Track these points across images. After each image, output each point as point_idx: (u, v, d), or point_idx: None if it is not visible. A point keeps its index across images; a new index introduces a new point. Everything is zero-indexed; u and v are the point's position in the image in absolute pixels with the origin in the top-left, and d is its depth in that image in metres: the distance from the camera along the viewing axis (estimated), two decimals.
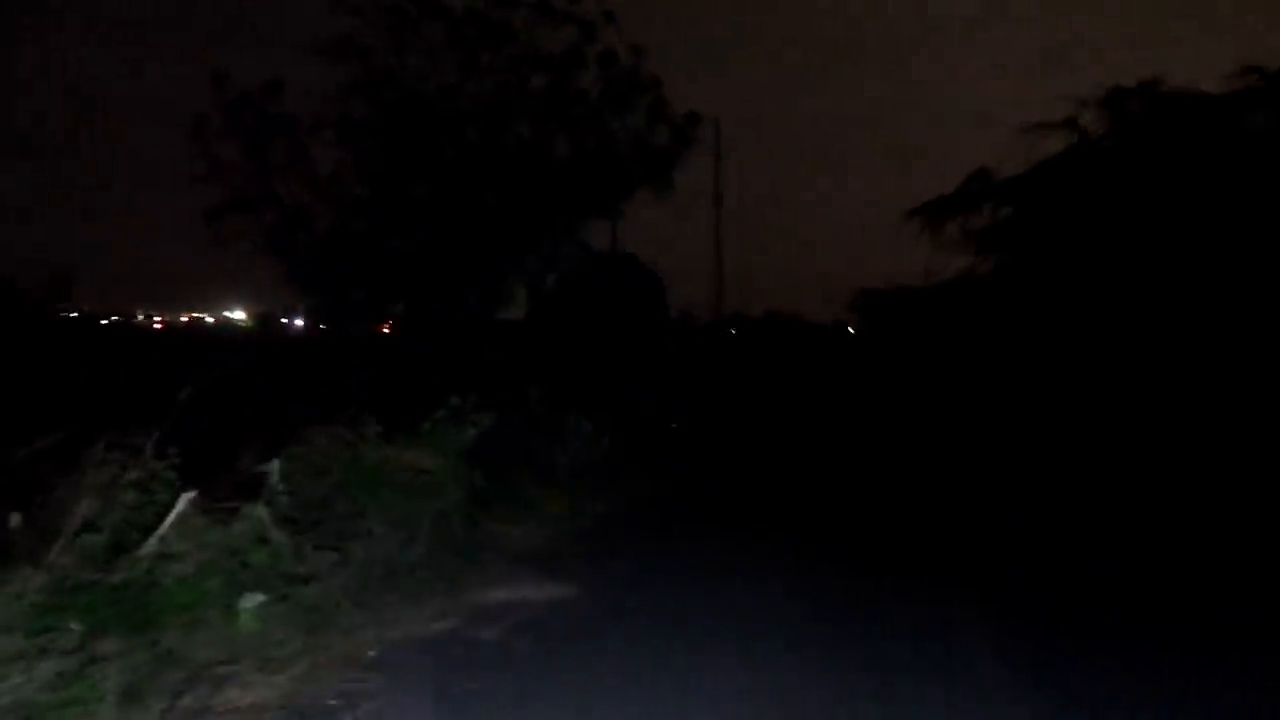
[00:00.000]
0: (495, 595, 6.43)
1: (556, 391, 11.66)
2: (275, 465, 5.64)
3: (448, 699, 4.66)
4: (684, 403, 14.87)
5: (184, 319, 52.87)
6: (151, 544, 4.74)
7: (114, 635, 4.39)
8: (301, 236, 14.38)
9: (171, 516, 4.87)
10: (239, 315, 57.67)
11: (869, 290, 26.75)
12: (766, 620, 5.82)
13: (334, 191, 14.58)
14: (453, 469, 6.98)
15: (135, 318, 51.56)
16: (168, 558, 4.81)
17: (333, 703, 4.57)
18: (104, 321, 42.90)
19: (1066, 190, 18.37)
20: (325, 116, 14.14)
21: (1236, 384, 13.39)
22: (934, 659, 5.14)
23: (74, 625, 4.18)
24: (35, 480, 5.12)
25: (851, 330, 29.71)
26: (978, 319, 22.38)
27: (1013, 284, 20.17)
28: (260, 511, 5.37)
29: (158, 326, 48.98)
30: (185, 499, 4.96)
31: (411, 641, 5.53)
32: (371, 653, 5.28)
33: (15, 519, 4.84)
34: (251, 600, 4.96)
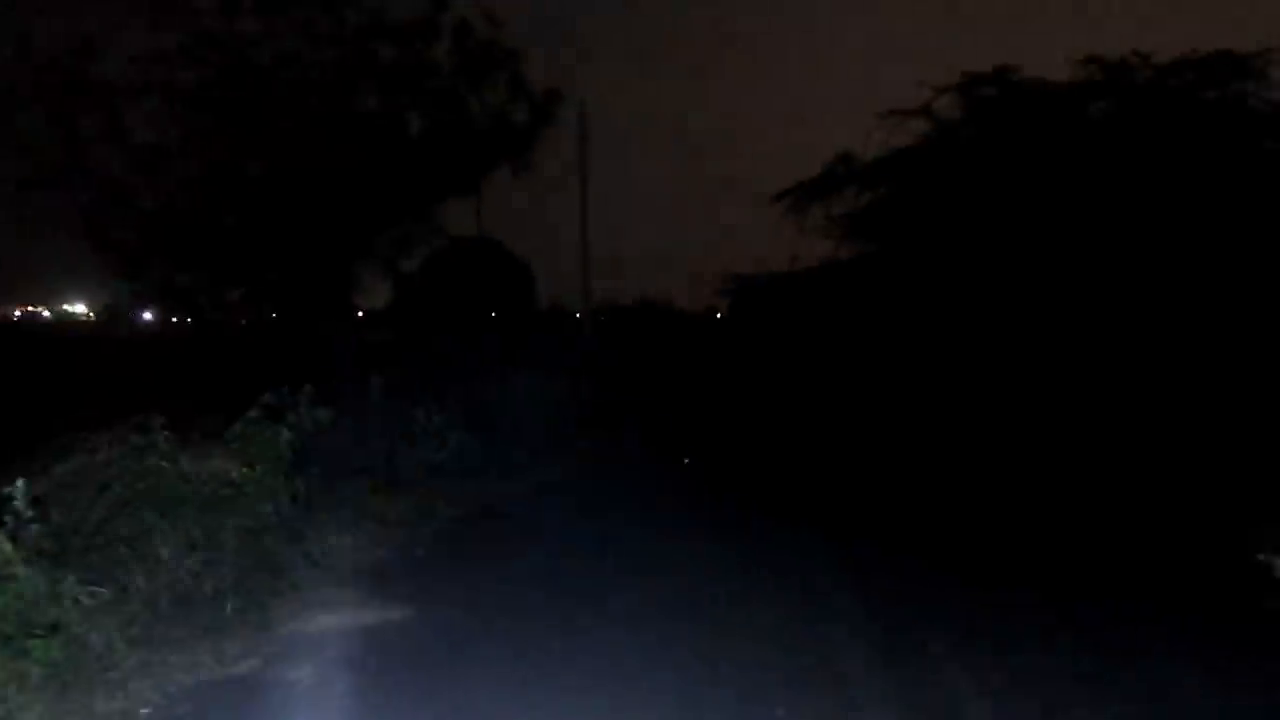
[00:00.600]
0: (315, 623, 5.47)
1: (409, 383, 10.66)
2: (20, 485, 4.52)
3: None
4: (554, 395, 14.00)
5: (16, 314, 48.18)
6: None
7: None
8: (120, 215, 12.78)
9: None
10: (79, 309, 53.20)
11: (737, 276, 26.60)
12: (623, 649, 5.10)
13: (158, 166, 13.03)
14: (267, 477, 5.95)
15: None
16: None
17: None
18: None
19: (925, 175, 18.47)
20: (147, 83, 12.58)
21: (1085, 364, 13.60)
22: None
23: None
24: None
25: (720, 316, 29.51)
26: (842, 304, 22.45)
27: (876, 269, 20.25)
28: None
29: None
30: None
31: (202, 690, 4.54)
32: (145, 710, 4.28)
33: None
34: None
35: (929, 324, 18.86)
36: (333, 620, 5.55)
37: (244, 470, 5.68)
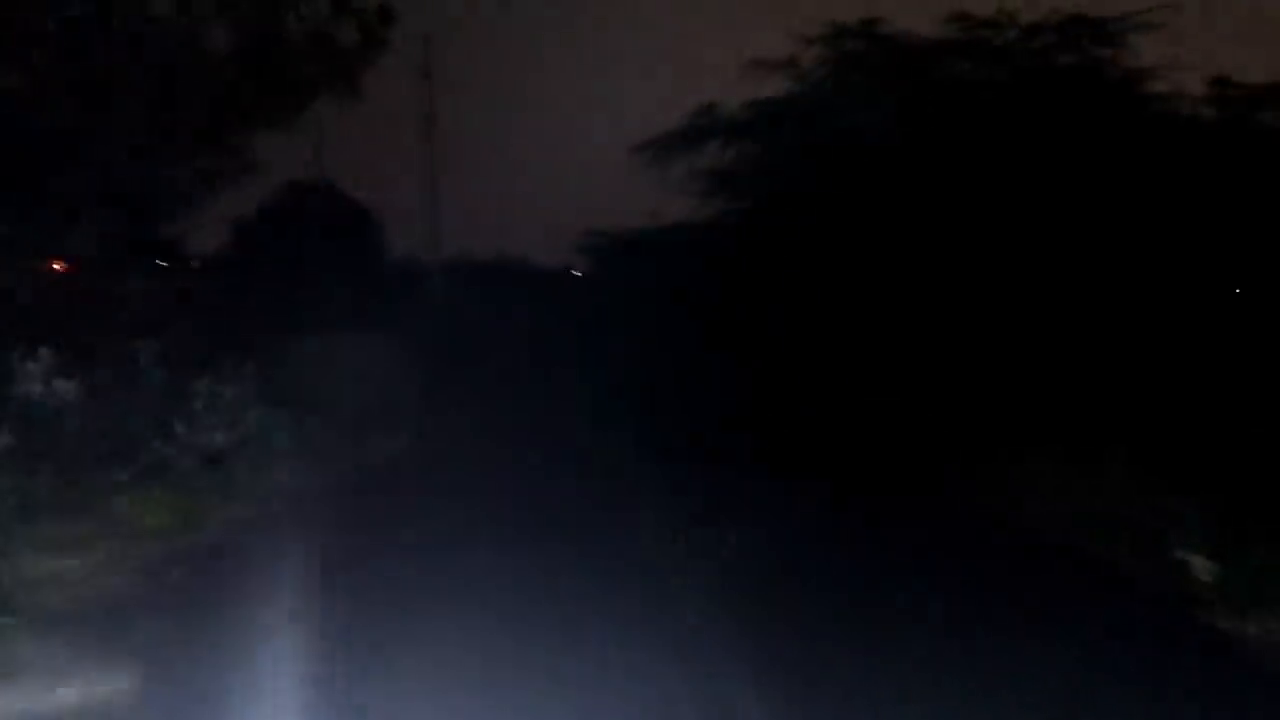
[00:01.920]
0: None
1: (206, 347, 8.54)
2: None
3: None
4: (389, 360, 11.96)
5: None
6: None
7: None
8: None
9: None
10: None
11: (597, 232, 24.95)
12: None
13: None
14: None
15: None
16: None
17: None
18: None
19: (789, 130, 17.37)
20: None
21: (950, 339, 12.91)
22: None
23: None
24: None
25: (578, 274, 27.85)
26: (704, 263, 21.29)
27: (738, 227, 19.14)
28: None
29: None
30: None
31: None
32: None
33: None
34: None
35: (792, 287, 17.95)
36: (15, 700, 3.67)
37: None
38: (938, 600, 4.53)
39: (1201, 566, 5.45)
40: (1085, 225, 12.91)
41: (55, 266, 14.66)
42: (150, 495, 5.84)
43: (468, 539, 5.67)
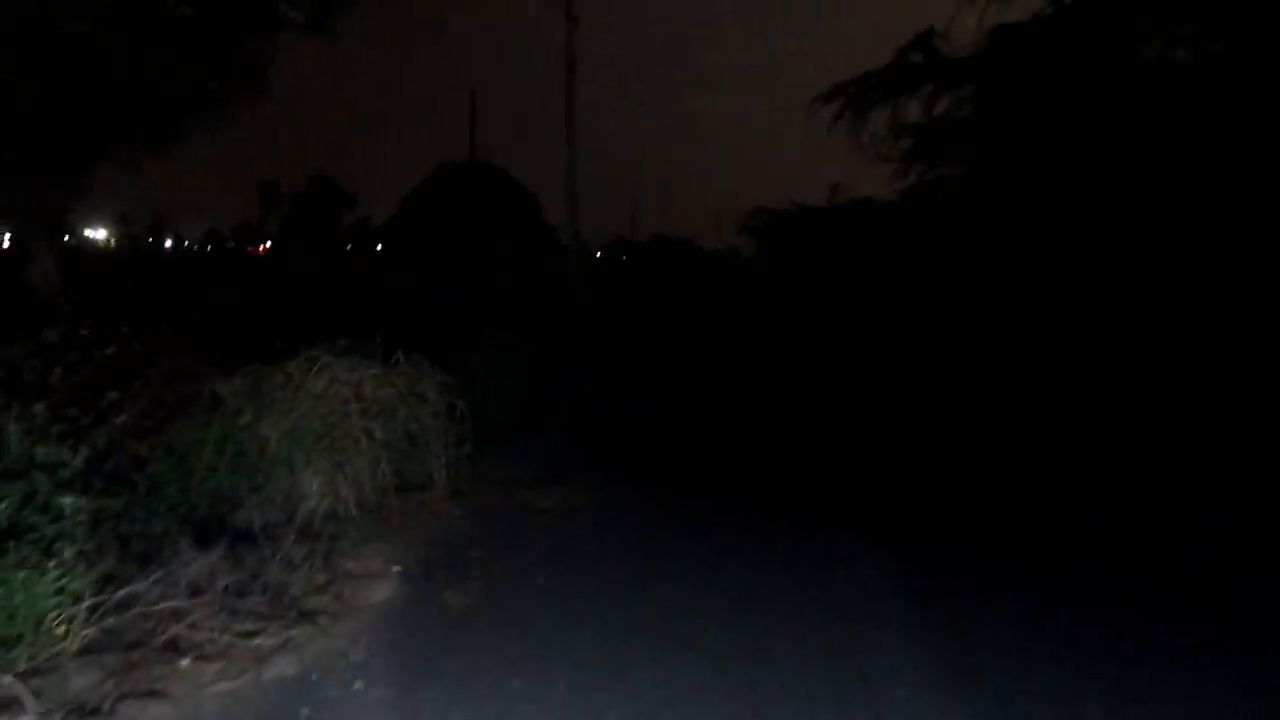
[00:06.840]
0: None
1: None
2: None
3: None
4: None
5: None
6: None
7: None
8: None
9: None
10: (100, 234, 47.20)
11: (765, 210, 19.95)
12: None
13: None
14: None
15: None
16: None
17: None
18: None
19: (1036, 67, 11.60)
20: None
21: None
22: None
23: None
24: None
25: (745, 255, 22.97)
26: (892, 247, 15.82)
27: (946, 203, 13.58)
28: None
29: None
30: None
31: None
32: None
33: None
34: None
35: (1032, 275, 12.23)
36: None
37: None
38: None
39: None
40: None
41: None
42: None
43: None
